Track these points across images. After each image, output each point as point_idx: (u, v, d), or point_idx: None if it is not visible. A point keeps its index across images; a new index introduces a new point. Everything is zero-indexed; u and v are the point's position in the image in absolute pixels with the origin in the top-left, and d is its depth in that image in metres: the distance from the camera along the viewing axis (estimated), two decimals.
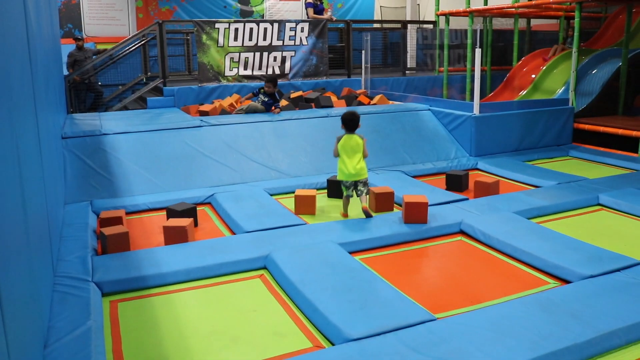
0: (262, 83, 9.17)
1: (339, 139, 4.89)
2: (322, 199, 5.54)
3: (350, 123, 4.88)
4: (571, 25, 10.49)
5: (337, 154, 4.90)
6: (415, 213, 4.57)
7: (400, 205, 5.00)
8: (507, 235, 4.25)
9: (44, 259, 3.07)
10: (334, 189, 5.56)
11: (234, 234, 4.63)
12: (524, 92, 9.66)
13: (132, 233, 4.49)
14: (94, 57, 10.08)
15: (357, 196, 4.91)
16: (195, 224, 4.80)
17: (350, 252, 4.08)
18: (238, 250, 4.02)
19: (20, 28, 2.85)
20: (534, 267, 3.89)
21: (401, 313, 3.08)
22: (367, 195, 4.87)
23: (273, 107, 7.47)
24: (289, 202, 5.40)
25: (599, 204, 5.23)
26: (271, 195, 5.58)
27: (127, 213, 5.11)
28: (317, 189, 5.72)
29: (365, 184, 4.86)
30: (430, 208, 4.71)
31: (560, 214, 5.01)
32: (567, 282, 3.60)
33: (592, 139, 7.92)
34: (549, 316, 3.01)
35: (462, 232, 4.59)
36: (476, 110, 7.23)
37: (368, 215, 4.74)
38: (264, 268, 3.90)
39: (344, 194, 4.97)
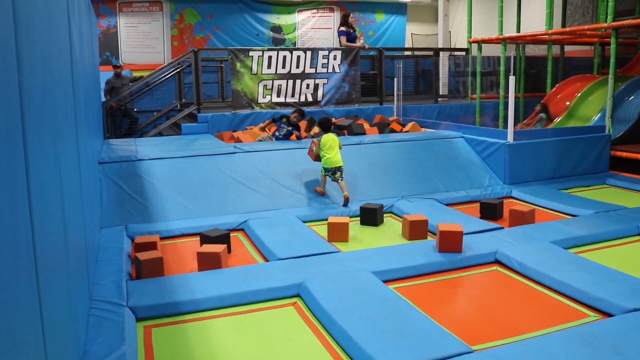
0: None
1: (319, 140, 6.15)
2: (354, 227, 5.51)
3: (325, 126, 6.39)
4: (606, 53, 10.36)
5: (317, 156, 6.19)
6: (450, 242, 4.51)
7: (434, 234, 4.95)
8: (545, 265, 4.16)
9: (82, 283, 3.11)
10: (367, 216, 5.56)
11: (267, 261, 4.63)
12: (558, 120, 9.53)
13: (166, 258, 4.53)
14: (130, 84, 10.31)
15: (336, 181, 6.12)
16: (229, 250, 4.82)
17: (384, 281, 4.03)
18: (271, 278, 4.01)
19: (65, 58, 2.94)
20: (573, 299, 3.78)
21: (437, 344, 3.02)
22: (343, 181, 6.09)
23: (294, 136, 7.50)
24: (321, 229, 5.39)
25: (639, 234, 5.09)
26: (304, 222, 5.57)
27: (162, 238, 5.15)
28: (350, 217, 5.69)
29: (342, 171, 6.09)
30: (464, 237, 4.65)
31: (599, 244, 4.88)
32: (609, 315, 3.49)
33: (630, 167, 7.75)
34: (591, 351, 2.92)
35: (497, 262, 4.51)
36: (510, 138, 7.16)
37: (346, 204, 5.99)
38: (298, 296, 3.88)
39: (323, 174, 6.19)
